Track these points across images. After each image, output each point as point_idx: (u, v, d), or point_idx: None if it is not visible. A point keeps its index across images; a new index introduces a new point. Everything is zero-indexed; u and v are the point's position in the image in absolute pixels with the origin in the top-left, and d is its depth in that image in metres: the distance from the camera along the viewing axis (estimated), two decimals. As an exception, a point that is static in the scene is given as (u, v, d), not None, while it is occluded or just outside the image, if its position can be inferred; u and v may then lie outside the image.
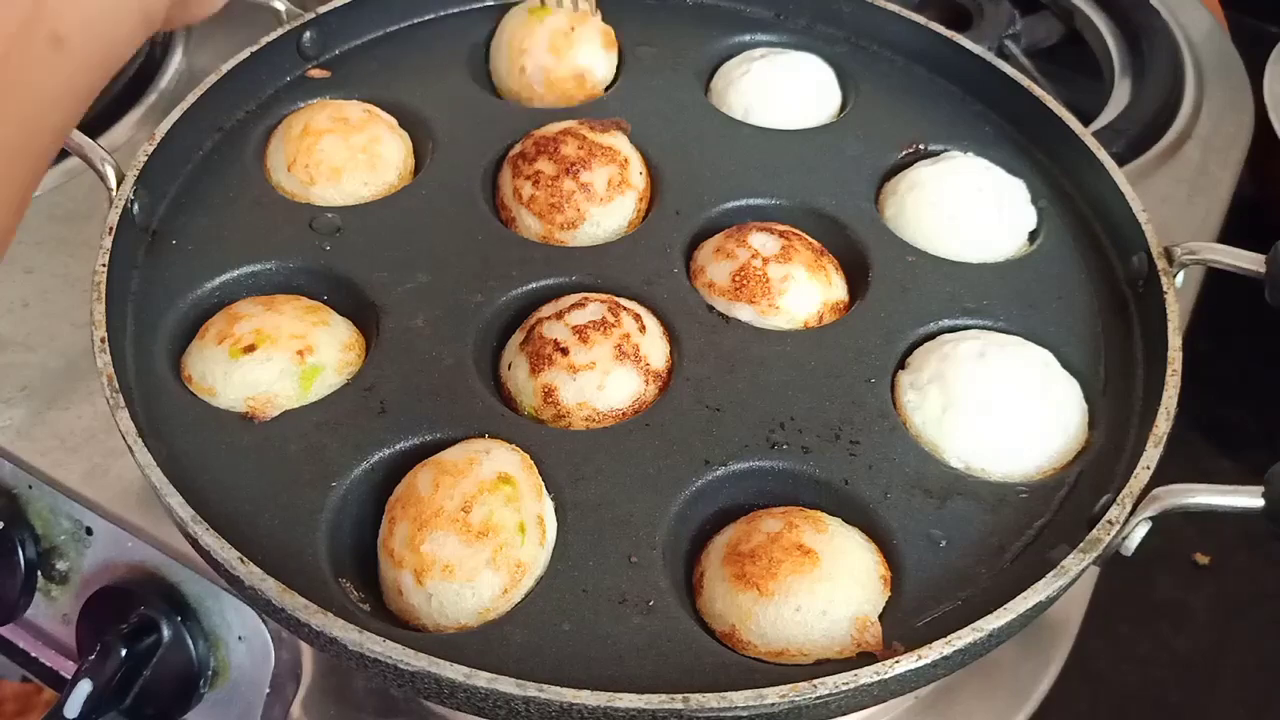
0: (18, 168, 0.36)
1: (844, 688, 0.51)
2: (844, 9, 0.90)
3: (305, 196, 0.76)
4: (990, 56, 0.85)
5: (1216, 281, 0.82)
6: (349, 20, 0.85)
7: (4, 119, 0.35)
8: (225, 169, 0.77)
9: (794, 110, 0.84)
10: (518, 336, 0.68)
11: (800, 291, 0.71)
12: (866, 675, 0.51)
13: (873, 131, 0.83)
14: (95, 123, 0.95)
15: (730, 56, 0.88)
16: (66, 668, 0.78)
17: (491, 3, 0.90)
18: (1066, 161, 0.80)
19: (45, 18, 0.36)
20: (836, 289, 0.73)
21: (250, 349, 0.64)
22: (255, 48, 0.80)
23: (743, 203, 0.77)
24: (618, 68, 0.87)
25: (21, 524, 0.76)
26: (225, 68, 0.78)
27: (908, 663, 0.52)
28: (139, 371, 0.65)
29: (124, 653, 0.69)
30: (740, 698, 0.50)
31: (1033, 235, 0.78)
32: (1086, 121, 0.90)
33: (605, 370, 0.65)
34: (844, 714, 0.53)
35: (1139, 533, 0.59)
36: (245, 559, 0.54)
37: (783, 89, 0.85)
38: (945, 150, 0.82)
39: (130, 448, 0.57)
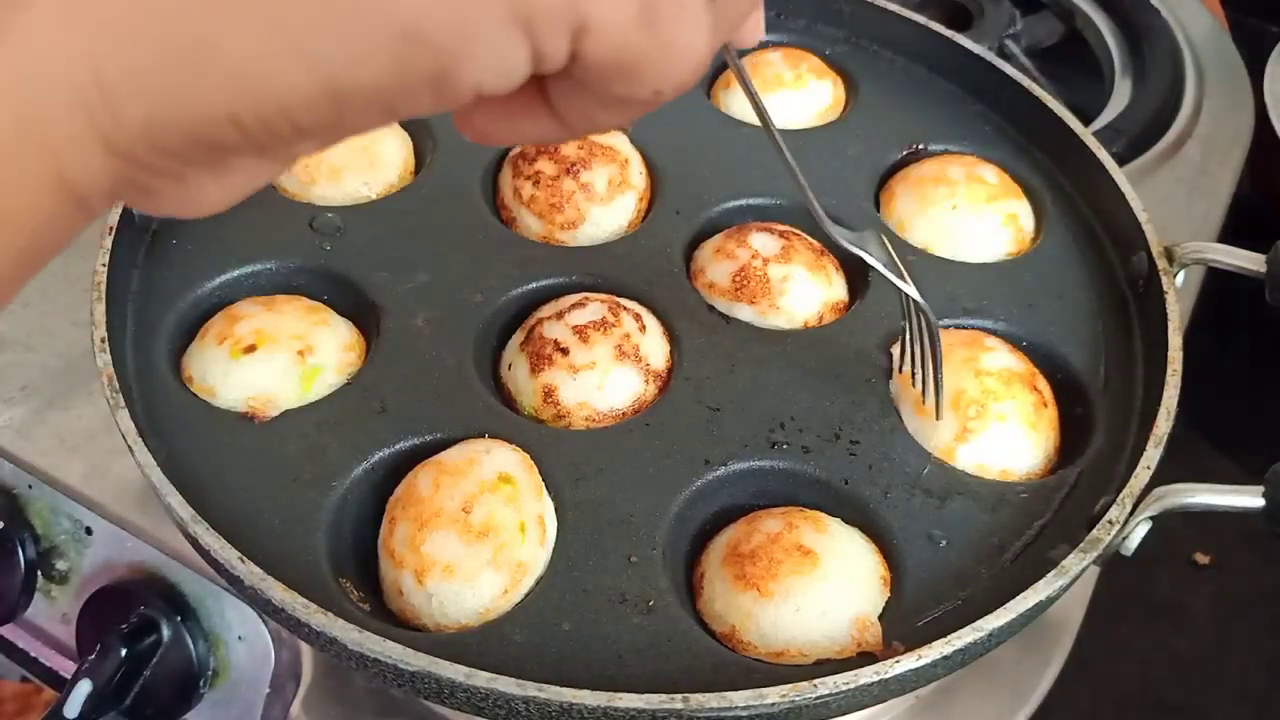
0: None
1: (844, 688, 0.51)
2: (844, 9, 0.90)
3: (306, 196, 0.75)
4: (990, 56, 0.85)
5: (1216, 281, 0.82)
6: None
7: None
8: (225, 169, 0.76)
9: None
10: (518, 336, 0.68)
11: (800, 291, 0.71)
12: (866, 675, 0.51)
13: (873, 131, 0.83)
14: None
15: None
16: (66, 668, 0.78)
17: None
18: (1066, 161, 0.80)
19: None
20: (836, 289, 0.73)
21: (251, 349, 0.64)
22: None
23: (743, 203, 0.77)
24: None
25: (21, 524, 0.76)
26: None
27: (908, 662, 0.52)
28: (139, 371, 0.64)
29: (124, 653, 0.68)
30: (740, 698, 0.50)
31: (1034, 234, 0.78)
32: (1086, 121, 0.90)
33: (605, 370, 0.65)
34: (844, 714, 0.53)
35: (1139, 533, 0.59)
36: (245, 558, 0.54)
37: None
38: (945, 150, 0.81)
39: (130, 448, 0.57)
